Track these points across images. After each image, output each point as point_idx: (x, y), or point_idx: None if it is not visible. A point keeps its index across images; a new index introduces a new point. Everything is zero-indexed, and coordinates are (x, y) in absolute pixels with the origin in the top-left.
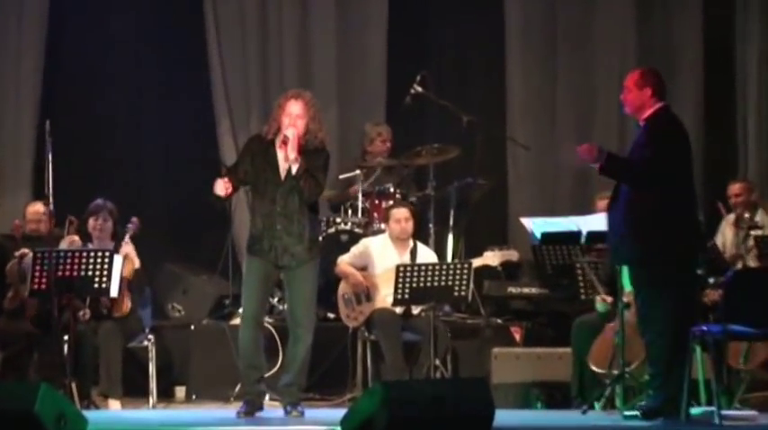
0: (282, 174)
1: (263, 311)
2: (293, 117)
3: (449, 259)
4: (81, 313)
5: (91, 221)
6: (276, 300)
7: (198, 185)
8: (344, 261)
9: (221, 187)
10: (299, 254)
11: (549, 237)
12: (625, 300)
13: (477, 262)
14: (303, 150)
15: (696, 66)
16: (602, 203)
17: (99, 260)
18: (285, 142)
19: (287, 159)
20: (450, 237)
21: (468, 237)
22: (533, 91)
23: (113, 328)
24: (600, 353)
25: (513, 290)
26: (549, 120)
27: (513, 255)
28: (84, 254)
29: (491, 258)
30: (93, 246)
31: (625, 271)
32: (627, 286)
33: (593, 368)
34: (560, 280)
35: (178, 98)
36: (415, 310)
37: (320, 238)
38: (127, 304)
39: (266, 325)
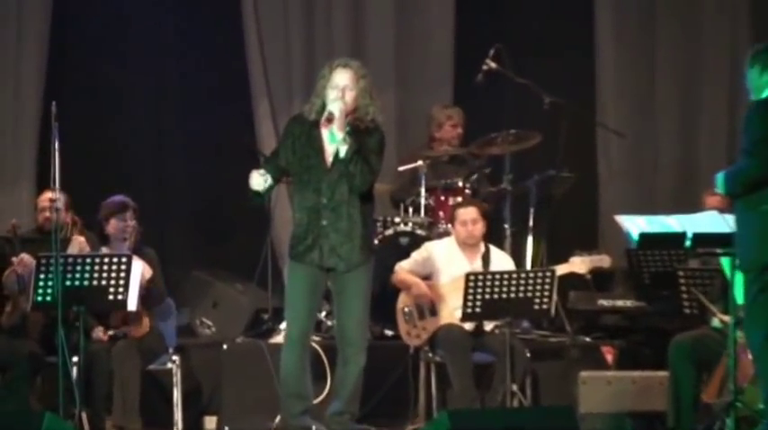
0: (329, 159)
1: (311, 328)
2: (340, 89)
3: (528, 266)
4: (100, 329)
5: (113, 222)
6: (324, 314)
7: (231, 178)
8: (404, 268)
9: (258, 181)
10: (349, 254)
11: (647, 240)
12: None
13: (561, 269)
14: (352, 130)
15: None
16: (713, 200)
17: (115, 267)
18: (330, 119)
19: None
20: (530, 240)
21: (552, 239)
22: (628, 67)
23: (130, 348)
24: (715, 384)
25: (604, 302)
26: (648, 103)
27: (604, 260)
28: (98, 260)
29: (578, 265)
30: (109, 250)
31: (738, 281)
32: (740, 299)
33: (705, 400)
34: (660, 291)
35: (207, 75)
36: (488, 327)
37: (375, 240)
38: (146, 321)
39: (312, 343)
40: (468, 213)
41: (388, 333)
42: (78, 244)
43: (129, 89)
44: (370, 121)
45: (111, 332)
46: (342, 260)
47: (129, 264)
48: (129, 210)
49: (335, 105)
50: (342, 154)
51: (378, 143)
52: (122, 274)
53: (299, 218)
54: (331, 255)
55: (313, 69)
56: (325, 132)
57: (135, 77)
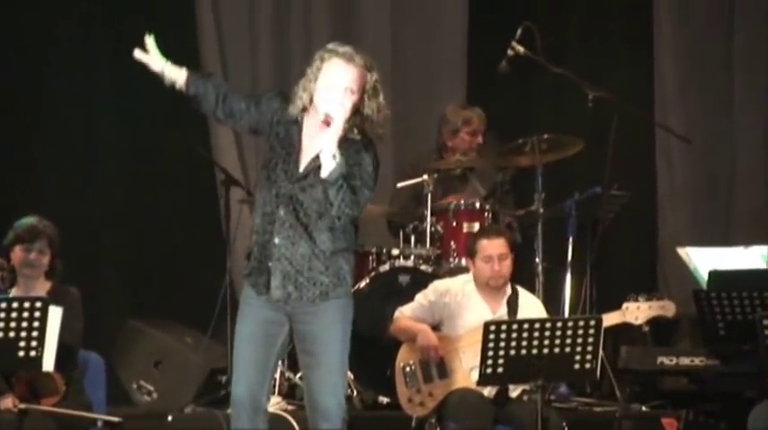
0: (303, 164)
1: (265, 386)
2: (340, 90)
3: (566, 313)
4: (10, 397)
5: (18, 251)
6: (299, 376)
7: (180, 200)
8: (405, 315)
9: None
10: (308, 286)
11: (721, 279)
12: None
13: (610, 318)
14: (348, 144)
15: None
16: None
17: (27, 314)
18: (328, 122)
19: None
20: (569, 279)
21: (598, 278)
22: (695, 56)
23: (46, 421)
24: None
25: (665, 360)
26: (722, 99)
27: (665, 307)
28: (4, 305)
29: (632, 312)
30: (19, 290)
31: None
32: None
33: None
34: (739, 345)
35: (149, 70)
36: (514, 392)
37: (367, 279)
38: (60, 384)
39: (281, 412)
40: (495, 246)
41: (384, 400)
42: None
43: (49, 88)
44: (372, 134)
45: (22, 405)
46: (297, 292)
47: (45, 309)
48: (40, 238)
49: (336, 109)
50: (326, 171)
51: (372, 161)
52: (36, 324)
53: (256, 224)
54: (286, 283)
55: (286, 64)
56: (306, 137)
57: (58, 75)
